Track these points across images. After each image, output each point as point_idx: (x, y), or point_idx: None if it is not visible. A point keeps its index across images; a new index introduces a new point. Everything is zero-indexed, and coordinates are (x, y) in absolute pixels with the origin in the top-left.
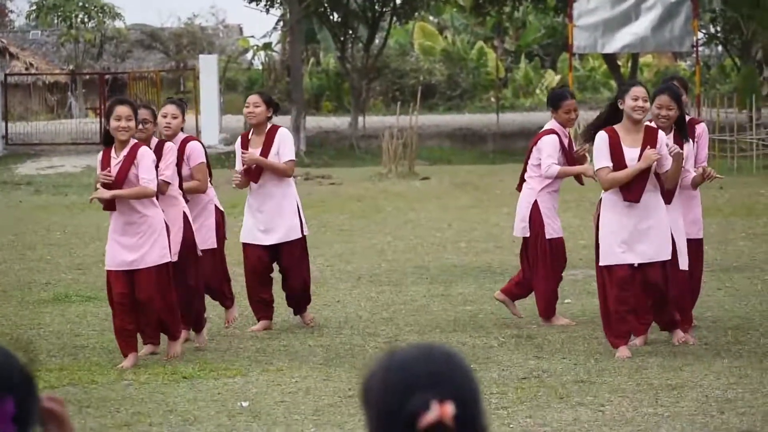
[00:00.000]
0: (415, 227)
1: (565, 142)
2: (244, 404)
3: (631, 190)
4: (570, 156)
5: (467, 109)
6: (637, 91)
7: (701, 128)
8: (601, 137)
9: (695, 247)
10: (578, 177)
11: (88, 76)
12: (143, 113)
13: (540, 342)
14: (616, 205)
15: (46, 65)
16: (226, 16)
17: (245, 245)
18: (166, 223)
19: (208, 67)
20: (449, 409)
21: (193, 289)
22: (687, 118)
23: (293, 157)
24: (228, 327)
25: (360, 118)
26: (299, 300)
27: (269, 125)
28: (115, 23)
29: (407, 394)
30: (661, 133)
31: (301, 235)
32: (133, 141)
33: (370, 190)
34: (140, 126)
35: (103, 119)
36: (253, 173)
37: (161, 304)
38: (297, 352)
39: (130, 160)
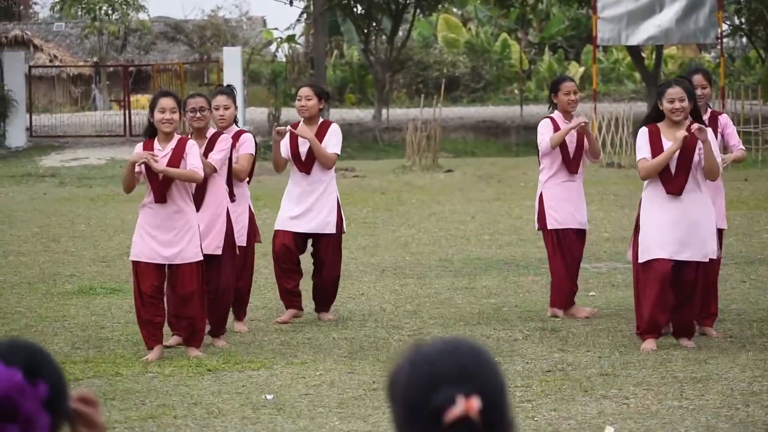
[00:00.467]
0: (438, 220)
1: (562, 126)
2: (269, 397)
3: (672, 181)
4: (565, 140)
5: (491, 102)
6: (672, 92)
7: (724, 119)
8: (642, 132)
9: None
10: (569, 165)
11: (111, 69)
12: (199, 101)
13: (564, 335)
14: (656, 199)
15: (70, 57)
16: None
17: (277, 232)
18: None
19: (231, 60)
20: (475, 403)
21: (224, 289)
22: (709, 111)
23: (338, 152)
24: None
25: (383, 111)
26: (327, 295)
27: (321, 119)
28: (139, 15)
29: (433, 388)
30: (721, 116)
31: (334, 231)
32: (177, 135)
33: (394, 182)
34: (197, 114)
35: (126, 113)
36: (305, 163)
37: (200, 300)
38: (321, 344)
39: (179, 154)
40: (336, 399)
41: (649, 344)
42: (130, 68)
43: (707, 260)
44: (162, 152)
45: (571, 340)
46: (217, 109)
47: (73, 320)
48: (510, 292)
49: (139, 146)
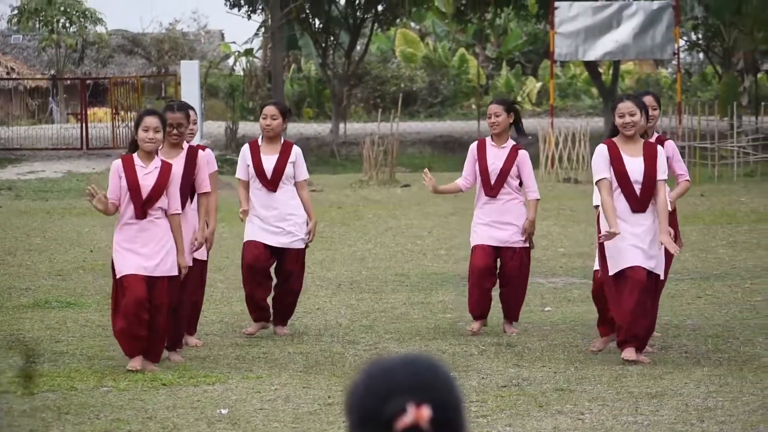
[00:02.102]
0: (395, 234)
1: (490, 151)
2: (224, 411)
3: (638, 201)
4: (487, 166)
5: (448, 116)
6: (623, 107)
7: (671, 145)
8: (600, 150)
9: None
10: (487, 189)
11: (69, 81)
12: (177, 117)
13: (520, 350)
14: (619, 213)
15: (28, 70)
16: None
17: (247, 242)
18: None
19: (189, 73)
20: (425, 412)
21: (182, 303)
22: (655, 135)
23: (308, 176)
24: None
25: (341, 125)
26: (286, 308)
27: (283, 139)
28: (97, 28)
29: (386, 398)
30: (669, 144)
31: (305, 245)
32: (159, 156)
33: (351, 197)
34: (174, 131)
35: (83, 126)
36: (272, 180)
37: (167, 315)
38: (277, 359)
39: (166, 176)
40: (291, 414)
41: (630, 354)
42: (88, 81)
43: (661, 274)
44: (145, 169)
45: (526, 355)
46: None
47: (27, 334)
48: (466, 307)
49: (117, 162)
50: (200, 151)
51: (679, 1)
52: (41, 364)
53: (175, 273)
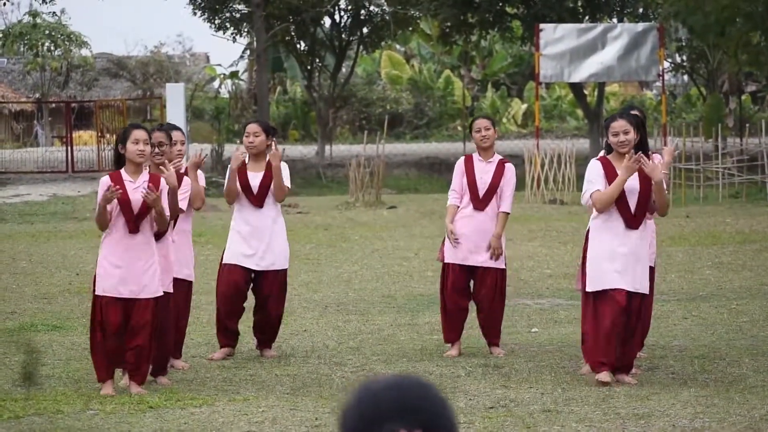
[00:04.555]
0: (381, 256)
1: (477, 166)
2: None
3: (633, 218)
4: (475, 181)
5: (434, 138)
6: (616, 125)
7: (657, 158)
8: (594, 165)
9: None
10: (476, 203)
11: (54, 105)
12: (158, 136)
13: (507, 371)
14: (606, 231)
15: (12, 93)
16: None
17: (226, 266)
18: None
19: (174, 96)
20: None
21: (169, 326)
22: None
23: (290, 185)
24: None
25: (327, 147)
26: (270, 331)
27: (268, 156)
28: (82, 52)
29: (378, 424)
30: (656, 157)
31: (287, 266)
32: (146, 170)
33: (337, 218)
34: (156, 149)
35: (68, 149)
36: (258, 197)
37: (151, 334)
38: (264, 381)
39: (156, 188)
40: None
41: (605, 376)
42: (73, 104)
43: (647, 293)
44: (133, 184)
45: (513, 376)
46: (174, 144)
47: (13, 357)
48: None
49: (106, 178)
50: (161, 178)
51: (663, 23)
52: (27, 388)
53: (160, 294)
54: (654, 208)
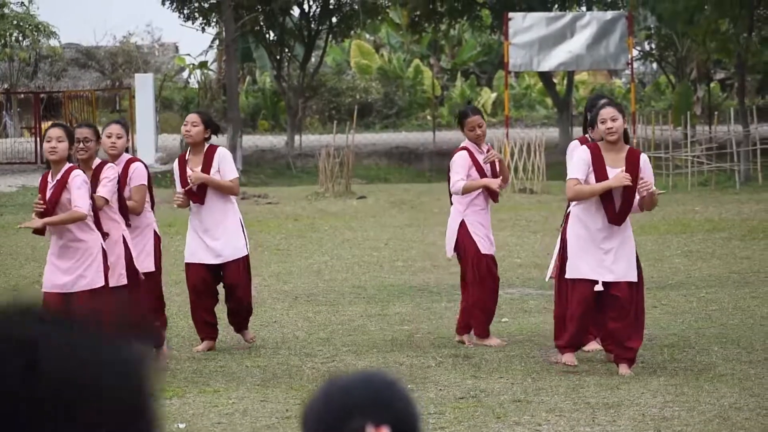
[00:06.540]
0: (352, 246)
1: (479, 157)
2: (181, 426)
3: (616, 216)
4: (483, 170)
5: (404, 128)
6: (605, 113)
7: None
8: (582, 154)
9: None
10: (493, 195)
11: (22, 95)
12: (84, 132)
13: (477, 361)
14: (587, 221)
15: None
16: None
17: (188, 265)
18: (103, 248)
19: (143, 86)
20: None
21: None
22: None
23: (236, 175)
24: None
25: (296, 137)
26: (242, 316)
27: (207, 145)
28: (50, 42)
29: (344, 419)
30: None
31: (246, 253)
32: (67, 165)
33: (307, 209)
34: (81, 145)
35: (37, 140)
36: (198, 194)
37: None
38: (234, 372)
39: (62, 184)
40: (249, 427)
41: (569, 358)
42: (41, 95)
43: (635, 279)
44: (50, 183)
45: (484, 366)
46: (109, 137)
47: None
48: (423, 319)
49: (39, 180)
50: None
51: (632, 11)
52: None
53: (99, 285)
54: (640, 208)
